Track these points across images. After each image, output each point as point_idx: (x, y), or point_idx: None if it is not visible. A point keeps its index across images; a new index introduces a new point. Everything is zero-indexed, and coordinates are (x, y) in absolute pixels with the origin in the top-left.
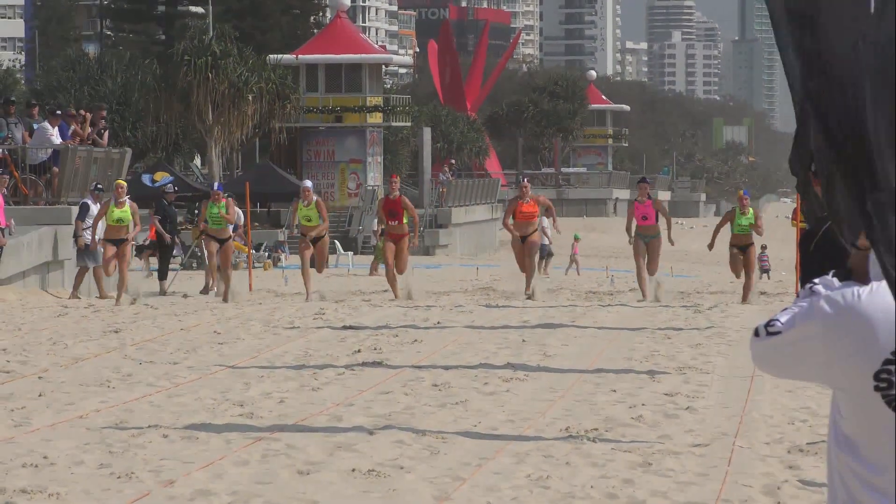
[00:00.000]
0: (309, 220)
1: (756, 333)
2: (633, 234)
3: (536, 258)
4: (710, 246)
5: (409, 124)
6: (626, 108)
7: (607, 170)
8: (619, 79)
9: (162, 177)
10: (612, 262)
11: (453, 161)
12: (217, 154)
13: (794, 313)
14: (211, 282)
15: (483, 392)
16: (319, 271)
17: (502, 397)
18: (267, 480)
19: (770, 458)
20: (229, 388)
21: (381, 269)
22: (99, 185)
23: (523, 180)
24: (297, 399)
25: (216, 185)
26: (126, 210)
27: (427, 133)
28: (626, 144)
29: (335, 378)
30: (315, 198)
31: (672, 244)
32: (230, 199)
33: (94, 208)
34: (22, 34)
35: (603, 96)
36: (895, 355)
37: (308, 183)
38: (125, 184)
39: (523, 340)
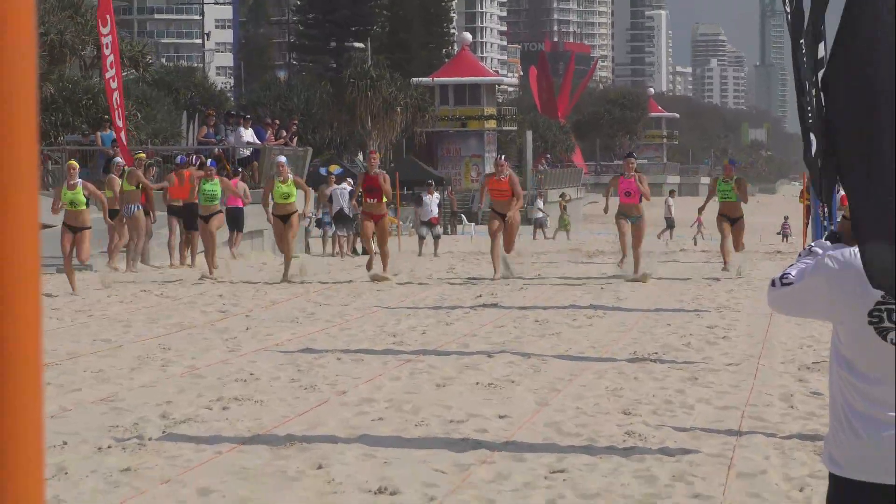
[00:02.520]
0: (287, 198)
1: (772, 284)
2: (607, 205)
3: (516, 236)
4: (701, 210)
5: (515, 128)
6: (676, 115)
7: (662, 162)
8: (670, 94)
9: (334, 168)
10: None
11: (548, 155)
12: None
13: (803, 268)
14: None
15: (572, 326)
16: (287, 250)
17: (586, 330)
18: (413, 391)
19: (785, 374)
20: (385, 323)
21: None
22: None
23: (500, 157)
24: (435, 331)
25: (210, 161)
26: (78, 191)
27: (529, 135)
28: (676, 143)
29: (463, 315)
30: (291, 175)
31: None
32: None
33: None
34: (231, 63)
35: (659, 107)
36: (884, 298)
37: (282, 158)
38: (77, 165)
39: (601, 288)
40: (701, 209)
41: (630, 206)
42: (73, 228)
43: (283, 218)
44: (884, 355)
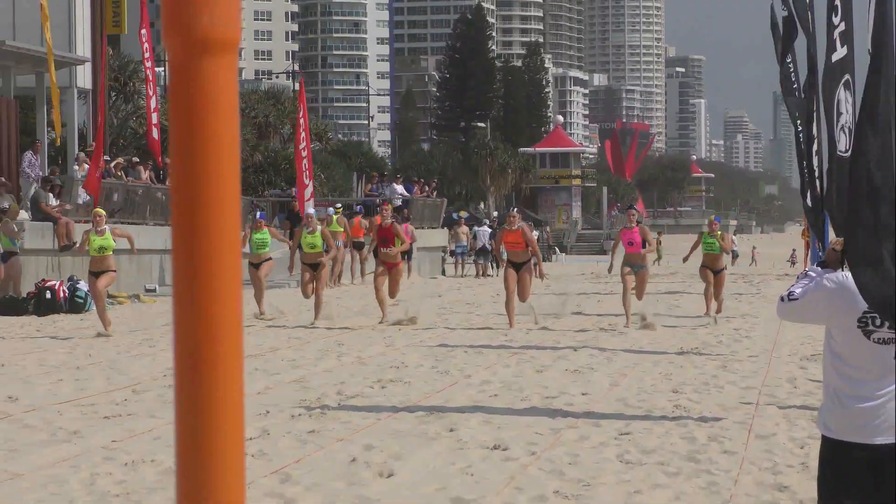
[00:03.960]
0: (313, 248)
1: (781, 299)
2: (614, 261)
3: (529, 289)
4: (685, 259)
5: (595, 184)
6: (712, 175)
7: (702, 209)
8: (708, 159)
9: (463, 213)
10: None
11: (618, 204)
12: (492, 202)
13: (806, 287)
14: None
15: (638, 329)
16: (319, 295)
17: (646, 331)
18: (519, 375)
19: (790, 363)
20: (500, 325)
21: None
22: (463, 216)
23: (512, 210)
24: (535, 333)
25: (259, 213)
26: (107, 237)
27: (605, 190)
28: (712, 195)
29: (555, 321)
30: (319, 227)
31: (657, 263)
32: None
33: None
34: (389, 138)
35: (699, 169)
36: (869, 308)
37: (311, 210)
38: (103, 213)
39: (657, 301)
40: (685, 258)
41: (634, 255)
42: (97, 273)
43: (312, 266)
44: (867, 350)
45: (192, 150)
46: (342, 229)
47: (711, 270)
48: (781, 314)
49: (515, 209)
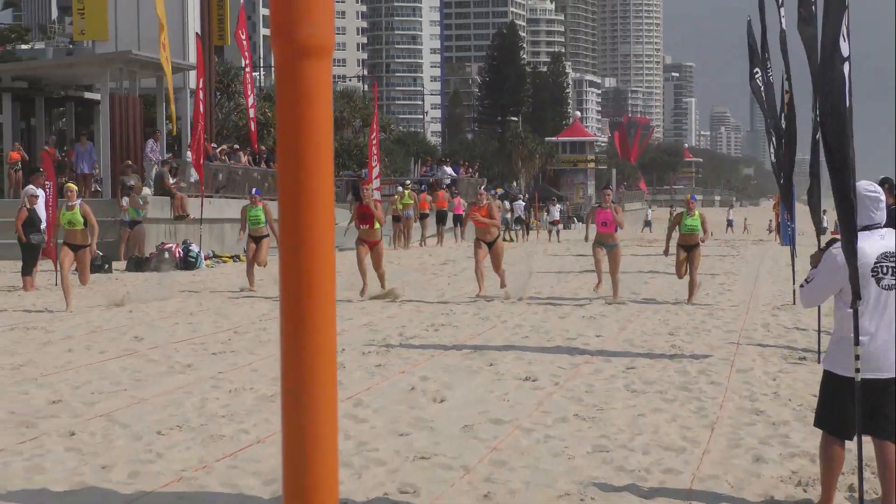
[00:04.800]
0: (257, 223)
1: (801, 286)
2: (588, 233)
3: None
4: (665, 252)
5: (605, 167)
6: (700, 160)
7: (692, 187)
8: (697, 147)
9: (499, 189)
10: None
11: (625, 183)
12: (522, 181)
13: (816, 269)
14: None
15: (638, 283)
16: (263, 265)
17: (648, 285)
18: (546, 320)
19: (764, 311)
20: (527, 281)
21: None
22: (499, 192)
23: (480, 188)
24: (558, 285)
25: (255, 190)
26: (76, 212)
27: (613, 171)
28: (700, 176)
29: (574, 277)
30: (262, 203)
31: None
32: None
33: (516, 203)
34: (440, 129)
35: (690, 155)
36: (878, 259)
37: (255, 190)
38: (75, 188)
39: (656, 260)
40: (665, 251)
41: (606, 234)
42: (73, 247)
43: (255, 239)
44: (875, 296)
45: (295, 136)
46: (412, 202)
47: (685, 248)
48: (804, 297)
49: (482, 186)
